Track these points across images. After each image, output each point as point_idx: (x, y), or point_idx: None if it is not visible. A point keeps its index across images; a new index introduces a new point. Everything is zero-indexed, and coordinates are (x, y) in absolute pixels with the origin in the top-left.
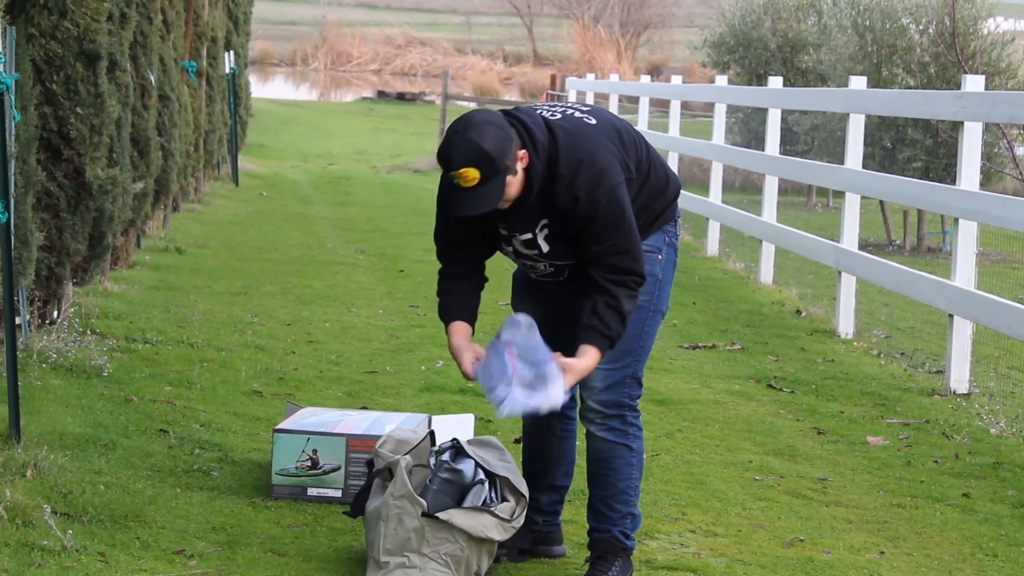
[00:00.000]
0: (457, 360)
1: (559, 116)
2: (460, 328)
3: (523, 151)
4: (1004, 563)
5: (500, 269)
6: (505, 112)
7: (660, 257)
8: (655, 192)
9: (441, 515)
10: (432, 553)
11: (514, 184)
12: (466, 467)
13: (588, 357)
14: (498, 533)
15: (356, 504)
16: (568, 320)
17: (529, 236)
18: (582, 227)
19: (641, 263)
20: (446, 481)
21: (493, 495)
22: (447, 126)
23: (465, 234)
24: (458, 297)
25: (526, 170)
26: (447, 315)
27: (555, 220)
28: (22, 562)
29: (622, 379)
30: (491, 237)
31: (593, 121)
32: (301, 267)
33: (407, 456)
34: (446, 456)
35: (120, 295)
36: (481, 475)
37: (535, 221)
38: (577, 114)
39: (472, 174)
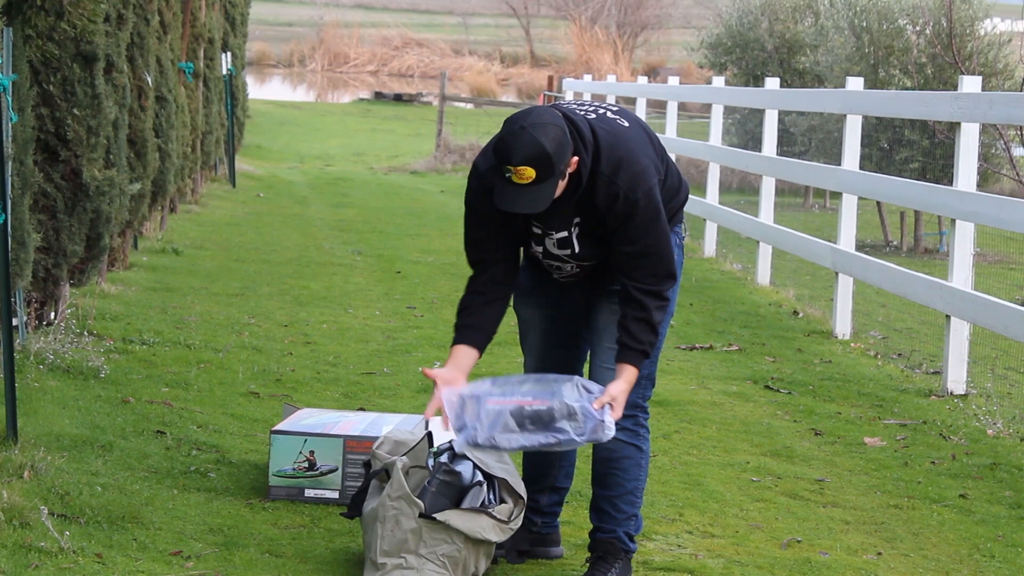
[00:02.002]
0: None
1: (594, 116)
2: (461, 354)
3: (576, 157)
4: (1001, 564)
5: None
6: (560, 112)
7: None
8: (671, 193)
9: (439, 516)
10: (429, 554)
11: (562, 185)
12: (464, 468)
13: (626, 375)
14: (495, 534)
15: (353, 505)
16: (569, 319)
17: (564, 235)
18: (615, 227)
19: (673, 266)
20: (444, 483)
21: (491, 496)
22: (442, 123)
23: (498, 234)
24: (477, 317)
25: (572, 173)
26: (457, 333)
27: (588, 219)
28: (19, 563)
29: (638, 379)
30: (522, 236)
31: (626, 123)
32: (298, 268)
33: (404, 457)
34: (444, 458)
35: (117, 296)
36: (479, 476)
37: (570, 220)
38: (610, 114)
39: (528, 173)
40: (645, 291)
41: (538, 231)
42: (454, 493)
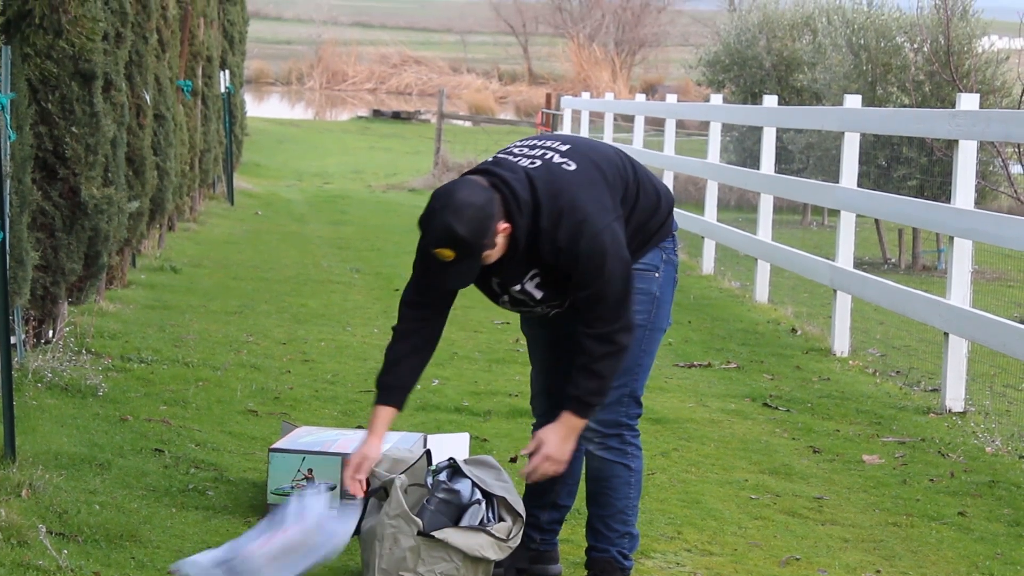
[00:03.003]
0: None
1: (538, 164)
2: (383, 416)
3: (505, 225)
4: None
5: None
6: (490, 174)
7: (657, 275)
8: (646, 212)
9: (437, 534)
10: (428, 572)
11: (496, 251)
12: (463, 487)
13: (563, 421)
14: (494, 552)
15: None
16: (570, 336)
17: (518, 288)
18: (568, 273)
19: (625, 312)
20: (443, 501)
21: (490, 515)
22: (440, 141)
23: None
24: (398, 374)
25: (509, 236)
26: (379, 393)
27: (544, 269)
28: None
29: (619, 398)
30: (483, 289)
31: (572, 167)
32: (296, 286)
33: (403, 476)
34: (443, 476)
35: (115, 314)
36: (478, 495)
37: (523, 272)
38: (556, 159)
39: (447, 253)
40: (594, 336)
41: (496, 288)
42: (453, 511)
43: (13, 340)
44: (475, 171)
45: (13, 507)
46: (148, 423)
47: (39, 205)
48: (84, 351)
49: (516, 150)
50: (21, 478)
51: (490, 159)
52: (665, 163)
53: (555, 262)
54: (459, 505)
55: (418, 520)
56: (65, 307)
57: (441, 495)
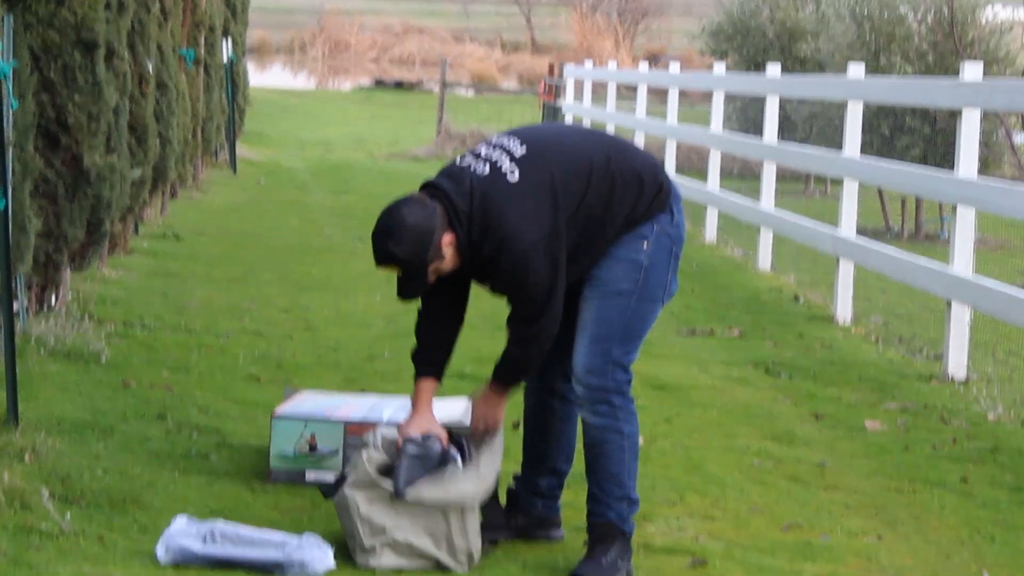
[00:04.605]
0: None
1: (487, 173)
2: (427, 387)
3: (450, 236)
4: (1002, 547)
5: None
6: (434, 187)
7: (645, 245)
8: (627, 201)
9: (408, 496)
10: (413, 527)
11: (448, 260)
12: (433, 443)
13: (485, 386)
14: (472, 485)
15: (334, 485)
16: (569, 314)
17: (489, 287)
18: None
19: (544, 320)
20: (415, 457)
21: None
22: (442, 110)
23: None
24: (429, 347)
25: (457, 245)
26: (416, 365)
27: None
28: (20, 545)
29: (603, 365)
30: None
31: (515, 178)
32: (299, 254)
33: (374, 447)
34: (417, 436)
35: (118, 281)
36: (454, 452)
37: (480, 276)
38: (505, 166)
39: (393, 269)
40: (513, 329)
41: (477, 283)
42: (424, 466)
43: (16, 306)
44: (424, 185)
45: (16, 471)
46: (151, 389)
47: (41, 173)
48: (87, 318)
49: (477, 151)
50: (24, 443)
51: (449, 164)
52: (668, 132)
53: (487, 271)
54: (429, 457)
55: (387, 485)
56: (68, 274)
57: (412, 451)
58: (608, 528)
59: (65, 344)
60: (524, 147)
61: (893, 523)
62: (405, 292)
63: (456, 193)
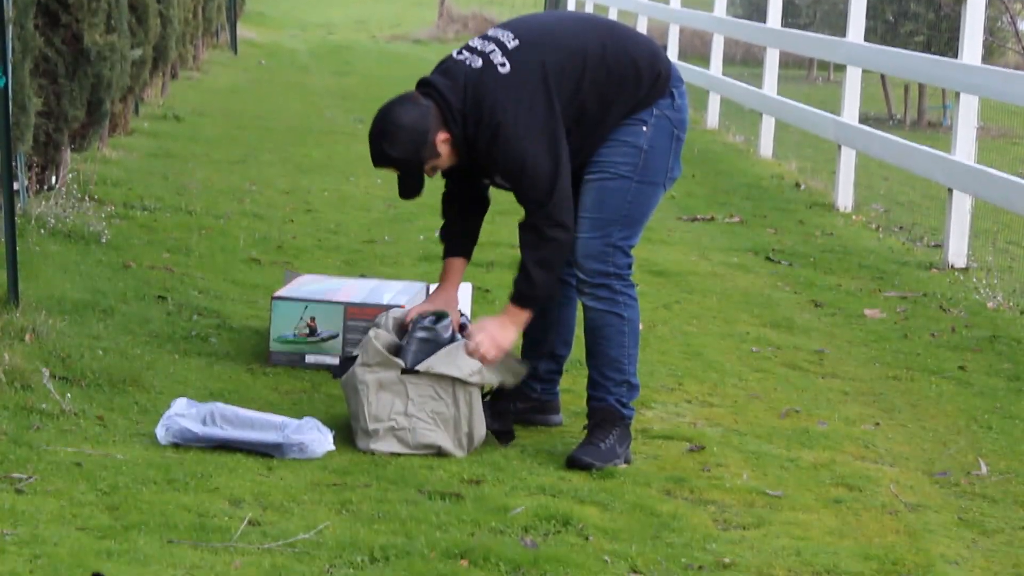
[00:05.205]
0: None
1: (479, 65)
2: (453, 265)
3: (444, 134)
4: (998, 435)
5: None
6: (428, 85)
7: (645, 128)
8: (625, 87)
9: (420, 367)
10: (419, 412)
11: (445, 157)
12: (443, 326)
13: (503, 310)
14: (481, 370)
15: (342, 365)
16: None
17: (487, 181)
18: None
19: (555, 210)
20: (423, 340)
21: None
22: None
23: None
24: (454, 227)
25: (453, 143)
26: (444, 242)
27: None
28: (21, 425)
29: (603, 249)
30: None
31: (506, 69)
32: (300, 136)
33: (384, 328)
34: (427, 321)
35: (118, 162)
36: (460, 337)
37: (481, 170)
38: (498, 58)
39: (391, 171)
40: (527, 226)
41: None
42: (433, 349)
43: (16, 186)
44: (420, 82)
45: (17, 351)
46: (151, 270)
47: (41, 51)
48: (87, 198)
49: (472, 44)
50: (24, 323)
51: (445, 58)
52: (671, 16)
53: (486, 164)
54: (438, 342)
55: (399, 360)
56: (68, 154)
57: (420, 334)
58: (608, 412)
59: (65, 224)
60: (516, 40)
61: (891, 411)
62: (405, 192)
63: (449, 90)
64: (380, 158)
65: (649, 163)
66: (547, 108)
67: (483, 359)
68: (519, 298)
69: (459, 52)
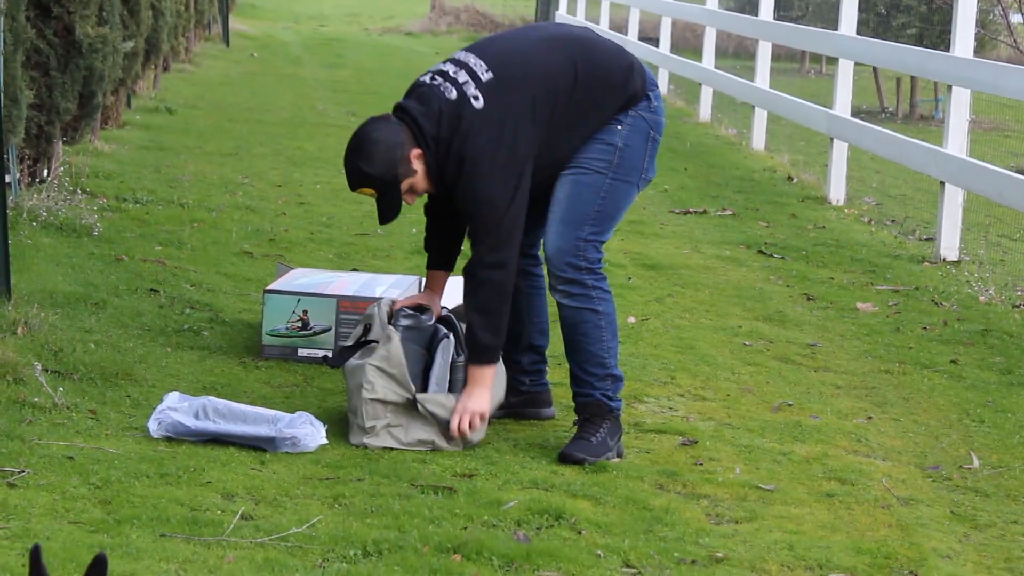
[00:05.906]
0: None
1: (454, 96)
2: (435, 277)
3: (418, 150)
4: (990, 429)
5: None
6: (401, 111)
7: (621, 127)
8: (598, 103)
9: (428, 405)
10: (408, 439)
11: (420, 177)
12: (425, 316)
13: (468, 378)
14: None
15: (339, 355)
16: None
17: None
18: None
19: (501, 250)
20: (407, 328)
21: (458, 350)
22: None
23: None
24: (433, 241)
25: (426, 162)
26: (427, 254)
27: None
28: (13, 419)
29: (575, 243)
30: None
31: (480, 104)
32: (292, 129)
33: (383, 317)
34: (409, 310)
35: (110, 155)
36: (443, 330)
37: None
38: (471, 90)
39: (368, 192)
40: (471, 263)
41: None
42: (422, 338)
43: (8, 179)
44: (395, 107)
45: (8, 344)
46: (143, 263)
47: (33, 44)
48: (79, 191)
49: (444, 69)
50: (16, 316)
51: (419, 81)
52: (663, 9)
53: (451, 191)
54: (421, 328)
55: (411, 386)
56: (60, 146)
57: (405, 322)
58: (595, 407)
59: (58, 217)
60: (490, 72)
61: (883, 404)
62: (384, 216)
63: (423, 115)
64: (357, 177)
65: (624, 161)
66: (515, 146)
67: (470, 431)
68: (473, 355)
69: (432, 77)
